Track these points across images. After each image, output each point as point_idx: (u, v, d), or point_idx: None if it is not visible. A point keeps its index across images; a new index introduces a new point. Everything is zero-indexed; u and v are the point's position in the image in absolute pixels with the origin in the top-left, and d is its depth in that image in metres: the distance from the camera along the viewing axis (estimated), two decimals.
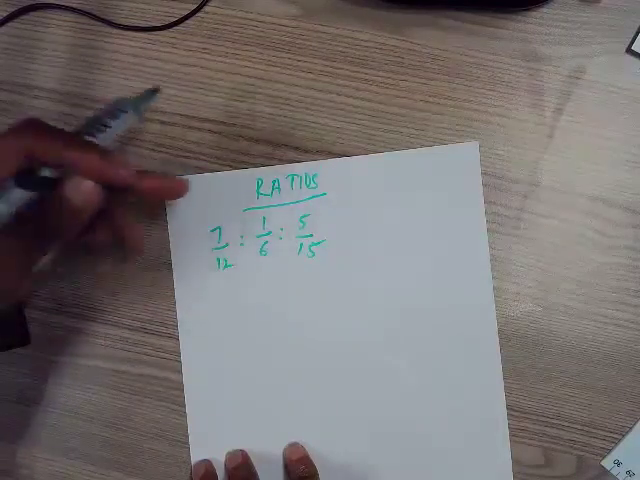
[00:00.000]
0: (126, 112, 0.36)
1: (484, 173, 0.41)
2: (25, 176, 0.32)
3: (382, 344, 0.41)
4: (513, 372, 0.41)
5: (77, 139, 0.33)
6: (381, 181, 0.41)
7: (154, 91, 0.39)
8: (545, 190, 0.41)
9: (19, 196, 0.32)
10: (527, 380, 0.41)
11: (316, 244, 0.42)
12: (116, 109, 0.36)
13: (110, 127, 0.35)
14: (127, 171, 0.33)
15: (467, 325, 0.41)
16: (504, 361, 0.41)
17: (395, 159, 0.41)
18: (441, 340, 0.41)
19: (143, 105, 0.38)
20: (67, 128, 0.42)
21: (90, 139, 0.34)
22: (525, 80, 0.41)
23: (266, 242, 0.42)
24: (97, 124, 0.35)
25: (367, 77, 0.42)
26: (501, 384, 0.40)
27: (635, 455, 0.40)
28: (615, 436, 0.40)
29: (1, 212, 0.31)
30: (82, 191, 0.32)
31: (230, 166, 0.42)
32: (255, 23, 0.42)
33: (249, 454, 0.41)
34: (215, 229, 0.42)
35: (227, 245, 0.42)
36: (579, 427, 0.40)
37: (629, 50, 0.40)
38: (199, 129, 0.42)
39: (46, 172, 0.32)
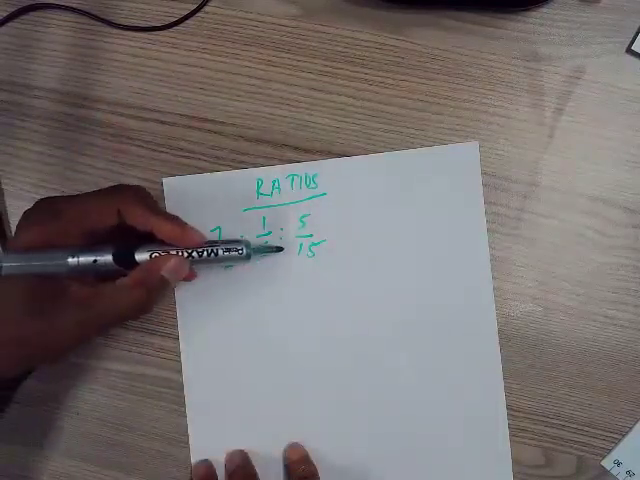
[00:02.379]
0: (240, 254, 0.37)
1: (484, 173, 0.41)
2: (122, 253, 0.34)
3: (382, 344, 0.41)
4: (513, 372, 0.41)
5: (157, 208, 0.36)
6: (381, 181, 0.41)
7: (278, 249, 0.40)
8: (545, 190, 0.41)
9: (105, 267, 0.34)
10: (527, 380, 0.41)
11: (316, 244, 0.42)
12: (234, 247, 0.37)
13: (217, 257, 0.36)
14: (199, 236, 0.36)
15: (467, 325, 0.41)
16: (504, 361, 0.41)
17: (395, 159, 0.41)
18: (441, 340, 0.41)
19: (259, 255, 0.40)
20: (67, 128, 0.43)
21: (195, 255, 0.36)
22: (525, 80, 0.41)
23: (266, 242, 0.42)
24: (210, 250, 0.36)
25: (367, 77, 0.42)
26: (501, 384, 0.40)
27: (635, 455, 0.40)
28: (615, 436, 0.40)
29: (84, 264, 0.34)
30: (176, 269, 0.35)
31: (230, 166, 0.42)
32: (255, 23, 0.42)
33: (249, 454, 0.41)
34: (215, 229, 0.42)
35: None
36: (579, 427, 0.40)
37: (629, 50, 0.40)
38: (199, 129, 0.42)
39: (144, 255, 0.35)
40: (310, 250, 0.42)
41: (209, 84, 0.43)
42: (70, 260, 0.33)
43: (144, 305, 0.34)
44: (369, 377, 0.41)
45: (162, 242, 0.35)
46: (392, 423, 0.41)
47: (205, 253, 0.36)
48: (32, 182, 0.43)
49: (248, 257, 0.37)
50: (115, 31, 0.43)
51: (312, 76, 0.42)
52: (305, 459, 0.40)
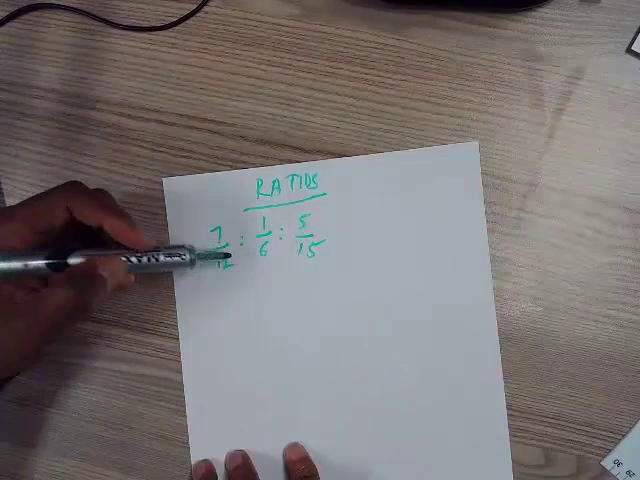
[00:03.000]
0: (183, 260, 0.36)
1: (484, 173, 0.41)
2: (55, 258, 0.34)
3: (382, 344, 0.41)
4: (513, 372, 0.41)
5: (110, 204, 0.35)
6: (381, 181, 0.41)
7: (225, 255, 0.40)
8: (545, 190, 0.41)
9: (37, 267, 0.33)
10: (527, 380, 0.41)
11: (316, 244, 0.42)
12: (176, 253, 0.36)
13: (158, 262, 0.36)
14: (146, 240, 0.35)
15: (467, 325, 0.41)
16: (504, 361, 0.41)
17: (395, 159, 0.41)
18: (441, 340, 0.41)
19: (204, 261, 0.40)
20: (67, 128, 0.43)
21: (134, 260, 0.35)
22: (525, 80, 0.41)
23: (266, 242, 0.42)
24: (151, 255, 0.36)
25: (367, 77, 0.42)
26: (501, 384, 0.40)
27: (635, 455, 0.40)
28: (615, 436, 0.40)
29: (15, 269, 0.33)
30: (111, 268, 0.34)
31: (230, 166, 0.42)
32: (255, 23, 0.42)
33: (249, 454, 0.41)
34: (215, 229, 0.42)
35: (227, 245, 0.42)
36: (579, 427, 0.40)
37: (629, 50, 0.40)
38: (199, 129, 0.42)
39: (77, 259, 0.34)
40: (310, 250, 0.42)
41: (209, 84, 0.42)
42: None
43: (77, 307, 0.32)
44: (369, 377, 0.41)
45: (112, 241, 0.35)
46: (392, 423, 0.41)
47: (145, 258, 0.35)
48: (32, 182, 0.43)
49: (192, 263, 0.37)
50: (115, 31, 0.43)
51: (312, 76, 0.42)
52: (305, 459, 0.40)
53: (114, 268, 0.34)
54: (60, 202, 0.34)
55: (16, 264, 0.33)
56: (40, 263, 0.33)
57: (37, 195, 0.35)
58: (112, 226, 0.34)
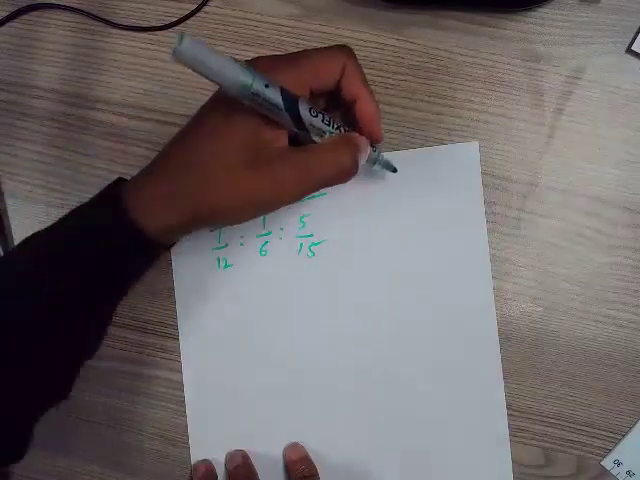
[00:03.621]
0: (391, 167, 0.38)
1: (484, 173, 0.41)
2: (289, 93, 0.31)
3: (382, 344, 0.41)
4: (513, 372, 0.41)
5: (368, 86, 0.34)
6: (381, 181, 0.41)
7: (394, 170, 0.39)
8: (545, 190, 0.41)
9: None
10: (527, 380, 0.41)
11: (316, 244, 0.42)
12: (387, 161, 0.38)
13: (379, 159, 0.37)
14: (381, 133, 0.35)
15: (467, 325, 0.41)
16: (504, 361, 0.41)
17: (395, 159, 0.41)
18: (441, 340, 0.41)
19: (379, 164, 0.38)
20: (67, 129, 0.43)
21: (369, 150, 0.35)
22: (525, 80, 0.41)
23: (266, 242, 0.42)
24: (375, 148, 0.36)
25: (367, 77, 0.42)
26: (501, 384, 0.40)
27: (635, 455, 0.40)
28: (615, 436, 0.40)
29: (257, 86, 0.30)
30: (366, 150, 0.34)
31: None
32: (255, 23, 0.42)
33: (249, 454, 0.41)
34: (215, 229, 0.42)
35: (227, 245, 0.42)
36: (579, 427, 0.40)
37: (629, 50, 0.40)
38: None
39: (305, 105, 0.31)
40: (310, 250, 0.42)
41: (209, 84, 0.42)
42: (247, 77, 0.29)
43: (348, 173, 0.32)
44: (369, 377, 0.41)
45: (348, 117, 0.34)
46: (392, 423, 0.41)
47: (376, 152, 0.36)
48: (32, 182, 0.43)
49: (394, 170, 0.39)
50: (115, 31, 0.43)
51: None
52: (305, 459, 0.40)
53: (366, 147, 0.34)
54: (340, 62, 0.32)
55: (260, 81, 0.30)
56: (277, 91, 0.30)
57: (317, 49, 0.33)
58: (367, 107, 0.33)
